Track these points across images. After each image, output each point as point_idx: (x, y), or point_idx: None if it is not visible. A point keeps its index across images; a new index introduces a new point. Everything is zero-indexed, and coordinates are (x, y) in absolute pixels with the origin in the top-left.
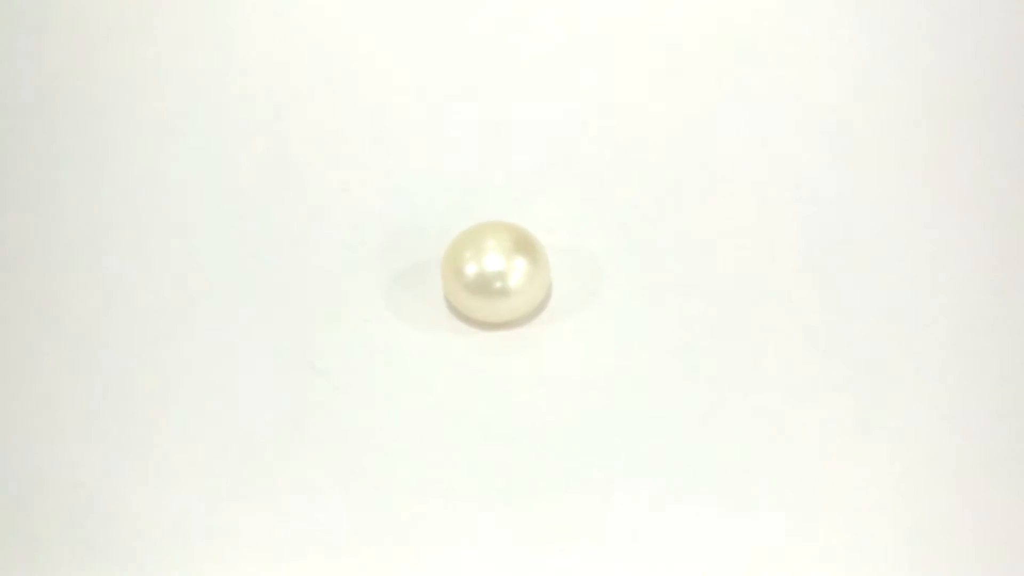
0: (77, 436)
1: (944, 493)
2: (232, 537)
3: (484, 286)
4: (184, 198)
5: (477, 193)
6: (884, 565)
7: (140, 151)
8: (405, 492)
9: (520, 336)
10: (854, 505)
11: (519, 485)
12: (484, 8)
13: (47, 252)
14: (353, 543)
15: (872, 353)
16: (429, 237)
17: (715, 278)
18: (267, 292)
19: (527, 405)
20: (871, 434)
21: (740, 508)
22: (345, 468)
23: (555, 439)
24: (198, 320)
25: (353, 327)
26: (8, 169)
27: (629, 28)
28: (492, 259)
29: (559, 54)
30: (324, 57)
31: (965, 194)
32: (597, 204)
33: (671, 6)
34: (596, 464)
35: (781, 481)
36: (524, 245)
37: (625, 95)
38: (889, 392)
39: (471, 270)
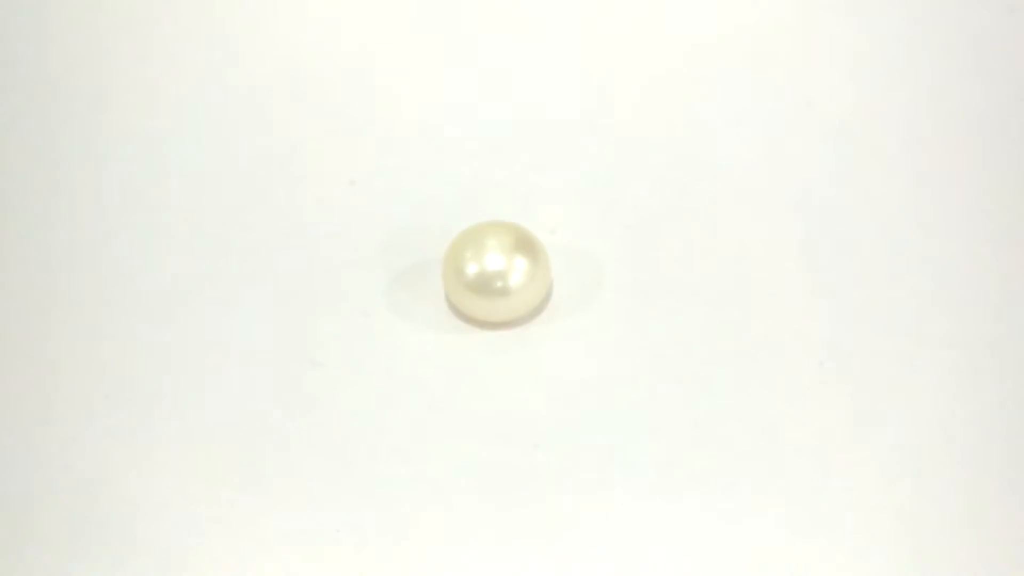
0: (73, 425)
1: (941, 505)
2: (229, 530)
3: (485, 285)
4: (186, 189)
5: (479, 193)
6: (883, 566)
7: (145, 142)
8: (403, 489)
9: (520, 336)
10: (852, 508)
11: (517, 484)
12: (492, 7)
13: (47, 241)
14: (350, 539)
15: (872, 360)
16: (430, 236)
17: (716, 281)
18: (267, 291)
19: (527, 404)
20: (869, 440)
21: (739, 509)
22: (343, 464)
23: (554, 438)
24: (196, 316)
25: (353, 325)
26: (16, 146)
27: (634, 32)
28: (493, 258)
29: (563, 56)
30: (327, 56)
31: (970, 203)
32: (599, 205)
33: (676, 11)
34: (595, 464)
35: (779, 484)
36: (525, 245)
37: (629, 96)
38: (888, 400)
39: (472, 269)
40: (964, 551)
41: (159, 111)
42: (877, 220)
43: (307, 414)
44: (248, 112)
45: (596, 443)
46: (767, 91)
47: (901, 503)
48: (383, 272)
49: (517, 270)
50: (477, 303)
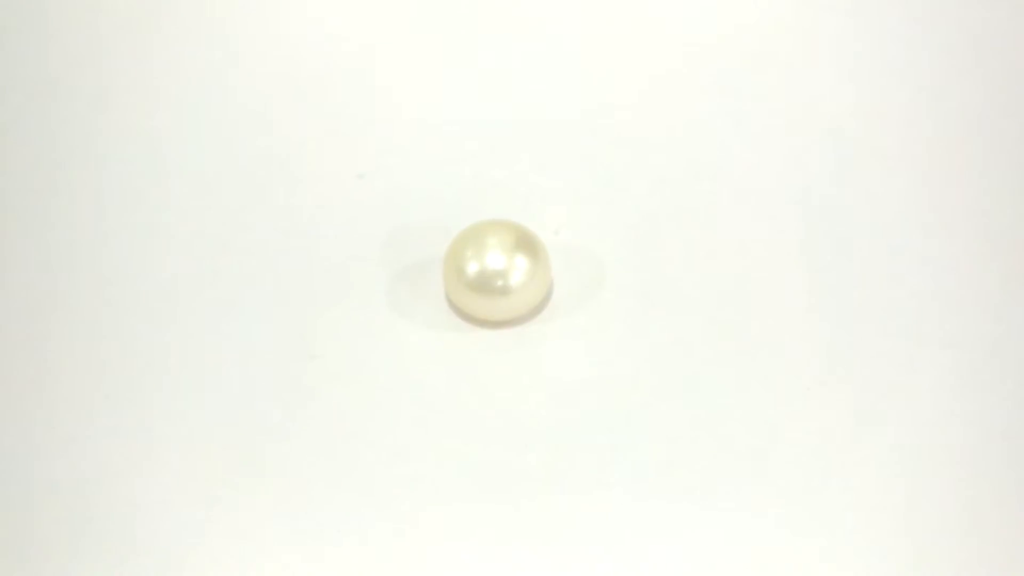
0: (73, 425)
1: (941, 505)
2: (229, 530)
3: (485, 284)
4: (186, 189)
5: (479, 192)
6: (883, 566)
7: (145, 142)
8: (403, 488)
9: (520, 335)
10: (852, 508)
11: (517, 483)
12: (492, 7)
13: (47, 241)
14: (350, 539)
15: (872, 360)
16: (431, 235)
17: (716, 281)
18: (268, 291)
19: (526, 403)
20: (869, 440)
21: (739, 509)
22: (343, 464)
23: (554, 437)
24: (196, 316)
25: (354, 324)
26: (16, 146)
27: (634, 32)
28: (493, 257)
29: (563, 56)
30: (327, 56)
31: (970, 203)
32: (599, 204)
33: (676, 11)
34: (594, 463)
35: (779, 484)
36: (525, 243)
37: (629, 96)
38: (888, 400)
39: (472, 268)
40: (964, 551)
41: (159, 111)
42: (877, 220)
43: (307, 413)
44: (248, 112)
45: (596, 443)
46: (767, 91)
47: (901, 503)
48: (384, 271)
49: (518, 269)
50: (477, 302)
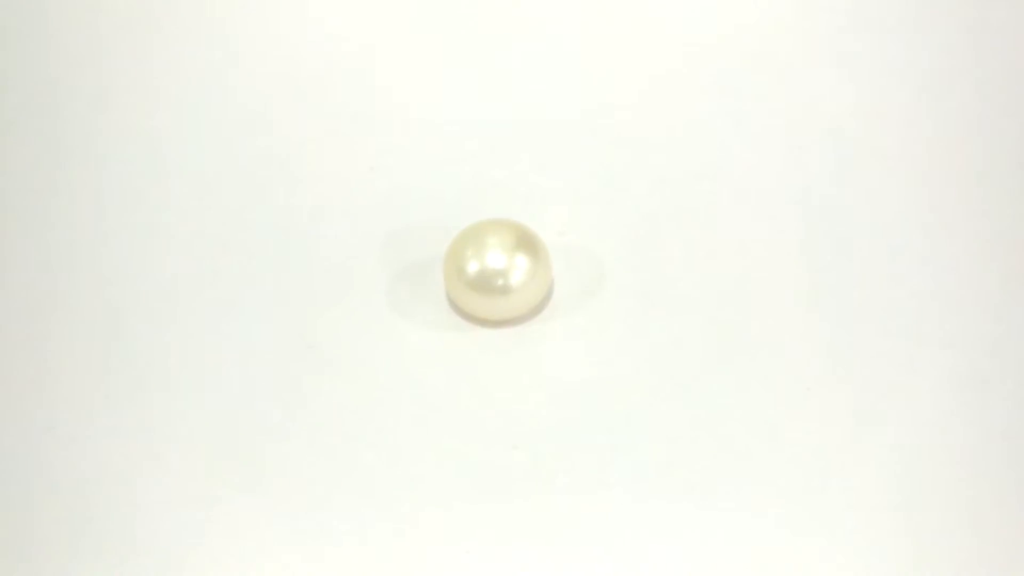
0: (73, 425)
1: (941, 505)
2: (229, 530)
3: (485, 283)
4: (186, 189)
5: (480, 191)
6: (883, 566)
7: (145, 142)
8: (402, 488)
9: (521, 334)
10: (852, 508)
11: (516, 483)
12: (492, 7)
13: (47, 241)
14: (350, 539)
15: (872, 360)
16: (431, 234)
17: (716, 281)
18: (268, 291)
19: (526, 402)
20: (869, 440)
21: (739, 509)
22: (344, 463)
23: (554, 437)
24: (196, 316)
25: (354, 323)
26: (16, 146)
27: (634, 32)
28: (494, 256)
29: (563, 56)
30: (327, 56)
31: (970, 203)
32: (599, 204)
33: (676, 11)
34: (594, 462)
35: (780, 484)
36: (526, 243)
37: (629, 97)
38: (888, 400)
39: (473, 267)
40: (964, 551)
41: (159, 111)
42: (877, 220)
43: (307, 413)
44: (248, 112)
45: (596, 442)
46: (767, 91)
47: (901, 503)
48: (384, 270)
49: (518, 268)
50: (478, 301)
